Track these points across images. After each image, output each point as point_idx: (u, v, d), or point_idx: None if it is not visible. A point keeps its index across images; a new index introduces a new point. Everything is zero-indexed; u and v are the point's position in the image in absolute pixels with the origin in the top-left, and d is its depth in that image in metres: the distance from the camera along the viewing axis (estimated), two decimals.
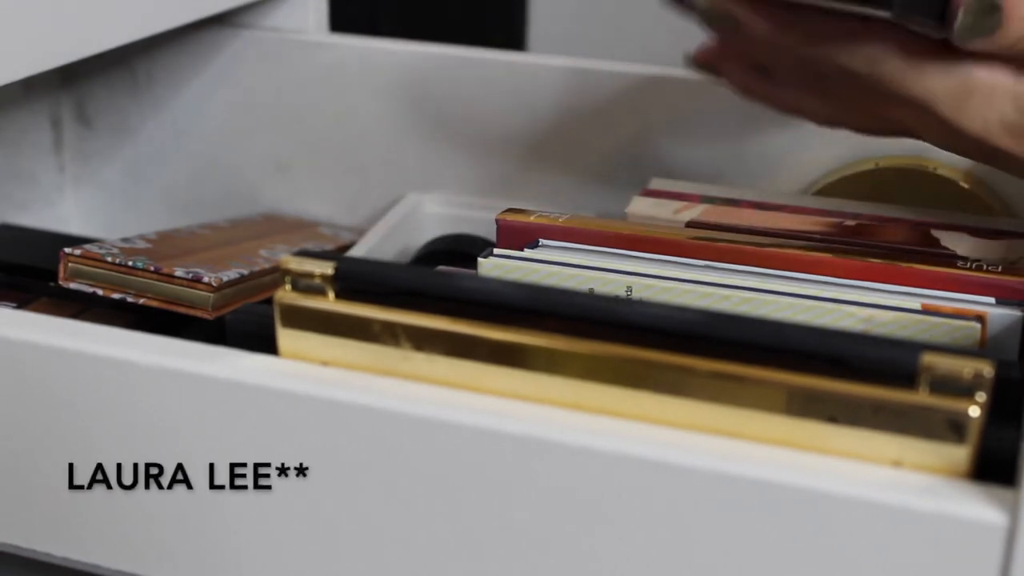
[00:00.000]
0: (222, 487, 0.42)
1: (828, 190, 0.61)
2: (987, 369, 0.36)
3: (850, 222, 0.54)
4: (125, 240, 0.59)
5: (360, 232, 0.72)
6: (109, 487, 0.44)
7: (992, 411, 0.37)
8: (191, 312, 0.54)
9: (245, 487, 0.42)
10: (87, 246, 0.56)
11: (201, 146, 0.76)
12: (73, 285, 0.55)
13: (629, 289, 0.47)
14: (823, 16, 0.44)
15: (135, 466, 0.43)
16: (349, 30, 0.75)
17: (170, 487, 0.43)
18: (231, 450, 0.41)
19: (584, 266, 0.48)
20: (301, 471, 0.41)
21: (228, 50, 0.73)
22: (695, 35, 0.50)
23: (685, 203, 0.55)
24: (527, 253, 0.49)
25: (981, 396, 0.36)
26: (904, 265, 0.47)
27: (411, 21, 0.97)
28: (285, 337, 0.42)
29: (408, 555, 0.41)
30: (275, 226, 0.71)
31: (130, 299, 0.55)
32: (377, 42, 0.71)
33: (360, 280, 0.42)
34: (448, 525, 0.40)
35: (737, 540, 0.37)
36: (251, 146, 0.75)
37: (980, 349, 0.44)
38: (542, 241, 0.51)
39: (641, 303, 0.40)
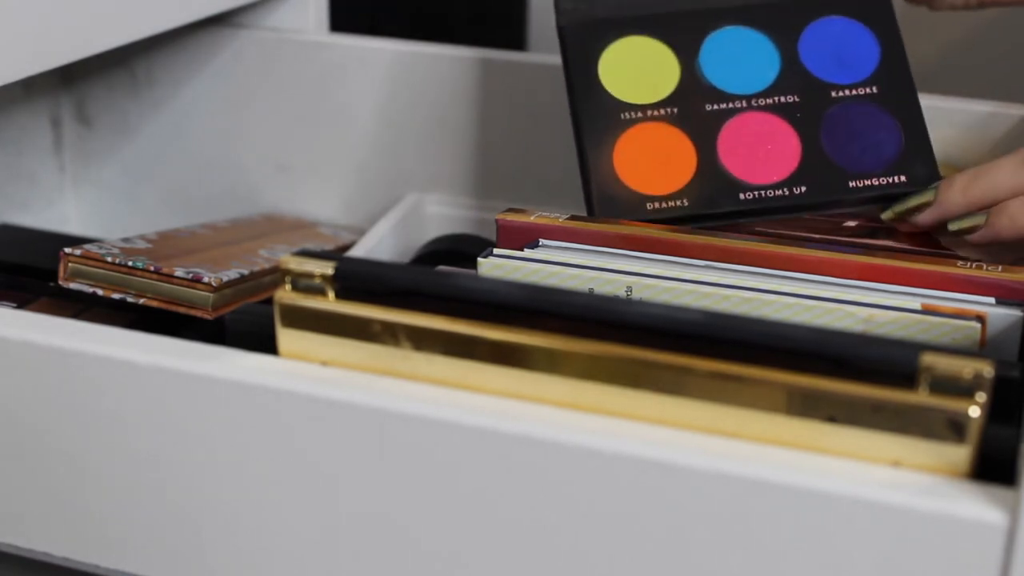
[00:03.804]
0: (222, 487, 0.42)
1: None
2: (987, 369, 0.36)
3: (850, 222, 0.54)
4: (125, 240, 0.59)
5: (360, 232, 0.72)
6: (109, 487, 0.44)
7: (992, 411, 0.37)
8: (191, 312, 0.54)
9: (245, 487, 0.42)
10: (87, 246, 0.56)
11: (201, 146, 0.76)
12: (73, 285, 0.55)
13: (629, 289, 0.47)
14: None
15: (135, 466, 0.43)
16: (349, 30, 0.75)
17: (170, 487, 0.43)
18: (231, 450, 0.41)
19: (584, 266, 0.48)
20: (301, 471, 0.41)
21: (228, 50, 0.73)
22: None
23: None
24: (527, 253, 0.49)
25: (981, 396, 0.36)
26: (904, 265, 0.47)
27: (411, 21, 0.97)
28: (285, 337, 0.42)
29: (407, 554, 0.41)
30: (275, 226, 0.71)
31: (130, 299, 0.55)
32: (377, 42, 0.71)
33: (360, 280, 0.42)
34: (447, 524, 0.40)
35: (737, 540, 0.37)
36: (251, 146, 0.75)
37: (980, 349, 0.44)
38: (542, 241, 0.50)
39: (641, 303, 0.40)
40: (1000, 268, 0.46)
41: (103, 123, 0.77)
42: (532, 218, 0.51)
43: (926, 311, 0.44)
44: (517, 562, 0.39)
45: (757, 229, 0.53)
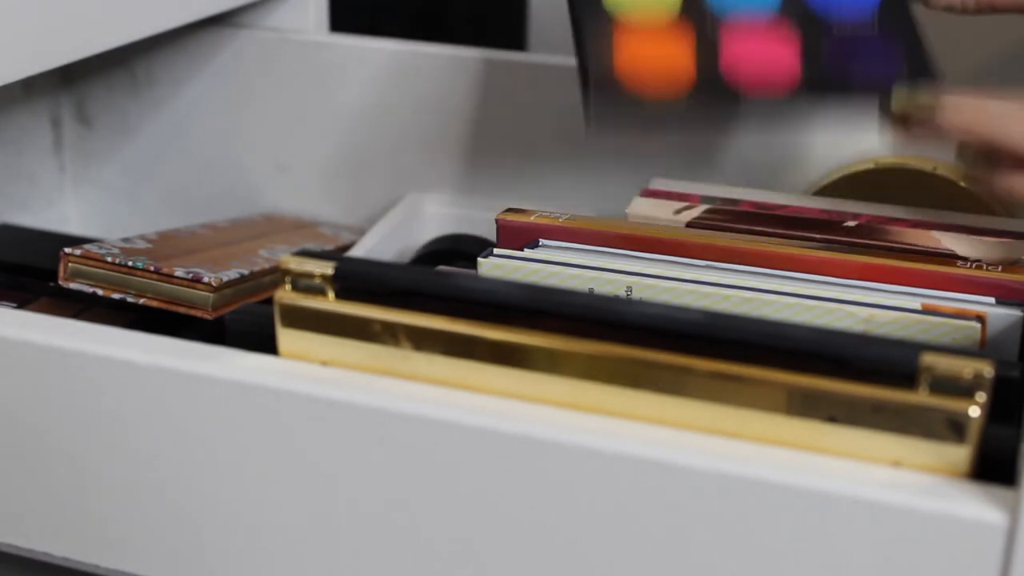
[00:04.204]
0: (222, 487, 0.42)
1: (828, 190, 0.61)
2: (987, 369, 0.36)
3: (850, 222, 0.54)
4: (125, 240, 0.59)
5: (360, 232, 0.72)
6: (109, 487, 0.44)
7: (992, 411, 0.37)
8: (191, 312, 0.54)
9: (245, 487, 0.42)
10: (87, 246, 0.56)
11: (201, 146, 0.76)
12: (73, 285, 0.55)
13: (629, 289, 0.47)
14: None
15: (135, 466, 0.43)
16: (349, 30, 0.75)
17: (170, 487, 0.43)
18: (231, 450, 0.41)
19: (584, 266, 0.48)
20: (301, 471, 0.41)
21: (228, 50, 0.73)
22: None
23: (685, 203, 0.55)
24: (527, 253, 0.49)
25: (981, 396, 0.36)
26: (904, 265, 0.47)
27: (411, 21, 0.97)
28: (285, 337, 0.42)
29: (407, 553, 0.41)
30: (275, 226, 0.71)
31: (130, 299, 0.55)
32: (377, 42, 0.71)
33: (360, 280, 0.42)
34: (447, 524, 0.40)
35: (737, 540, 0.37)
36: (251, 146, 0.75)
37: (980, 349, 0.44)
38: (542, 241, 0.50)
39: (641, 303, 0.40)
40: (1000, 268, 0.46)
41: (103, 123, 0.77)
42: (532, 218, 0.51)
43: (926, 311, 0.44)
44: (517, 562, 0.39)
45: (757, 229, 0.53)
